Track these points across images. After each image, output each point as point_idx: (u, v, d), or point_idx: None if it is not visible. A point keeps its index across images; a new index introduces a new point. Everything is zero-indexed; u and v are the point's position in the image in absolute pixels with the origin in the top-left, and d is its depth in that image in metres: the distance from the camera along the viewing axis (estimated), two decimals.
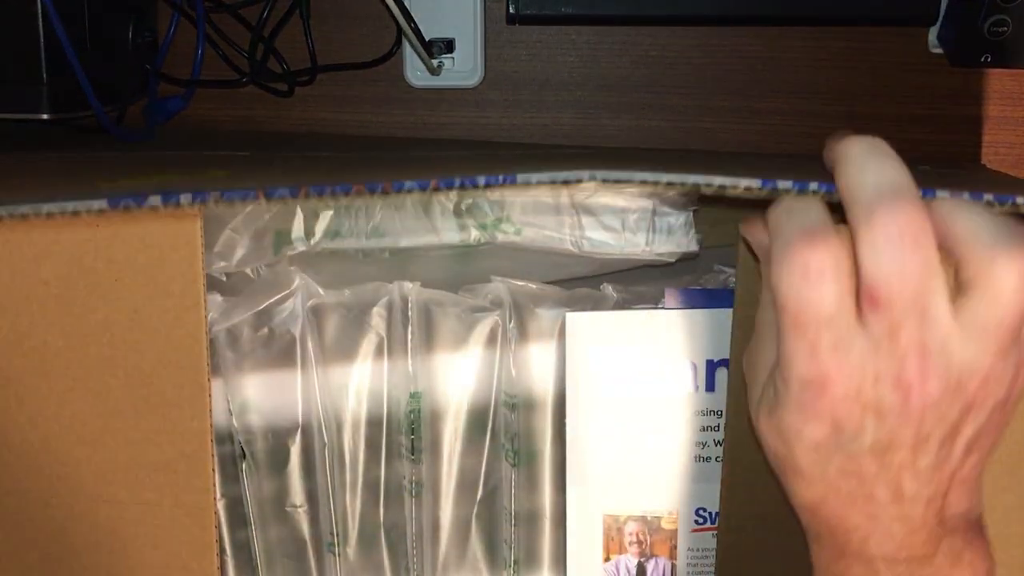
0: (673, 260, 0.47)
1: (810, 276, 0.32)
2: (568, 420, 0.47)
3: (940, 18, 0.56)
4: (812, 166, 0.38)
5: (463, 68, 0.60)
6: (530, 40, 0.60)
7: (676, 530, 0.49)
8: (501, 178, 0.38)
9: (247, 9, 0.57)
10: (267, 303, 0.47)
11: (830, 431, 0.33)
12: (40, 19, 0.49)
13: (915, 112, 0.61)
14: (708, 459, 0.48)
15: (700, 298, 0.47)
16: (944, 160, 0.61)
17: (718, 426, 0.48)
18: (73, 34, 0.50)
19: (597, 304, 0.48)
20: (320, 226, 0.46)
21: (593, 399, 0.47)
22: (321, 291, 0.47)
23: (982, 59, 0.55)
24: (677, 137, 0.61)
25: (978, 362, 0.32)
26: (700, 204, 0.47)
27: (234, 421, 0.48)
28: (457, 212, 0.46)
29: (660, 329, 0.47)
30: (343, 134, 0.61)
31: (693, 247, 0.46)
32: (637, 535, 0.49)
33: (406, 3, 0.54)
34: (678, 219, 0.46)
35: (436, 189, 0.38)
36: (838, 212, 0.34)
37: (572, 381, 0.47)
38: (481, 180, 0.37)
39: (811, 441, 0.34)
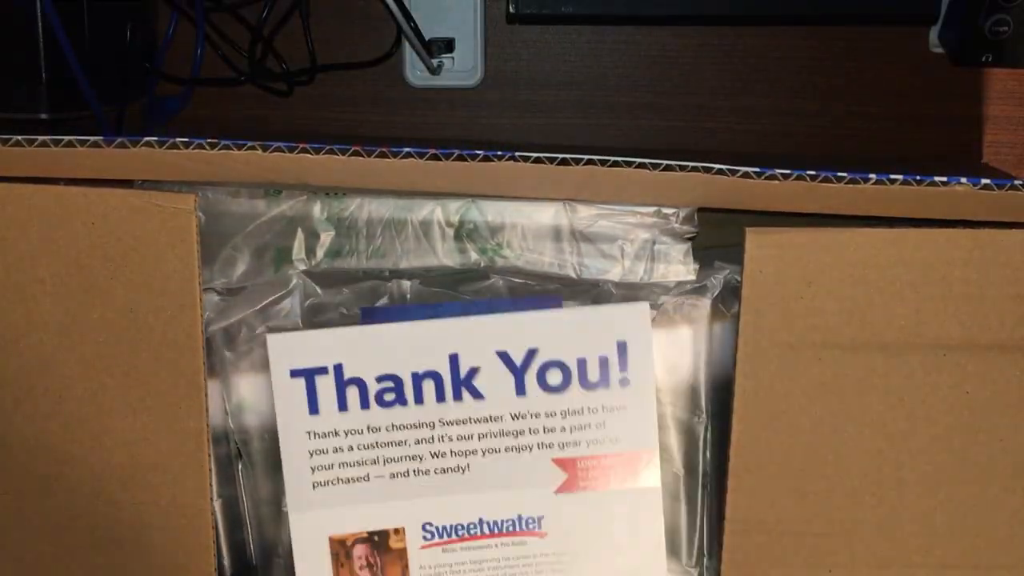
0: (671, 287, 0.47)
1: None
2: (282, 448, 0.46)
3: (941, 18, 0.55)
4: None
5: (463, 68, 0.60)
6: (530, 40, 0.60)
7: (405, 548, 0.46)
8: (500, 152, 0.39)
9: (246, 8, 0.57)
10: (265, 302, 0.47)
11: None
12: (40, 19, 0.49)
13: (915, 112, 0.60)
14: (448, 470, 0.45)
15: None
16: (944, 160, 0.61)
17: (472, 435, 0.45)
18: (72, 34, 0.50)
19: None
20: (321, 246, 0.46)
21: (302, 421, 0.45)
22: (319, 290, 0.47)
23: (982, 59, 0.55)
24: (677, 137, 0.61)
25: None
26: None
27: (230, 421, 0.48)
28: (457, 236, 0.46)
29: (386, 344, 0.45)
30: (342, 134, 0.61)
31: (691, 276, 0.47)
32: (367, 558, 0.46)
33: (406, 3, 0.53)
34: (678, 250, 0.47)
35: (434, 157, 0.38)
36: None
37: (279, 405, 0.45)
38: (479, 153, 0.38)
39: None
